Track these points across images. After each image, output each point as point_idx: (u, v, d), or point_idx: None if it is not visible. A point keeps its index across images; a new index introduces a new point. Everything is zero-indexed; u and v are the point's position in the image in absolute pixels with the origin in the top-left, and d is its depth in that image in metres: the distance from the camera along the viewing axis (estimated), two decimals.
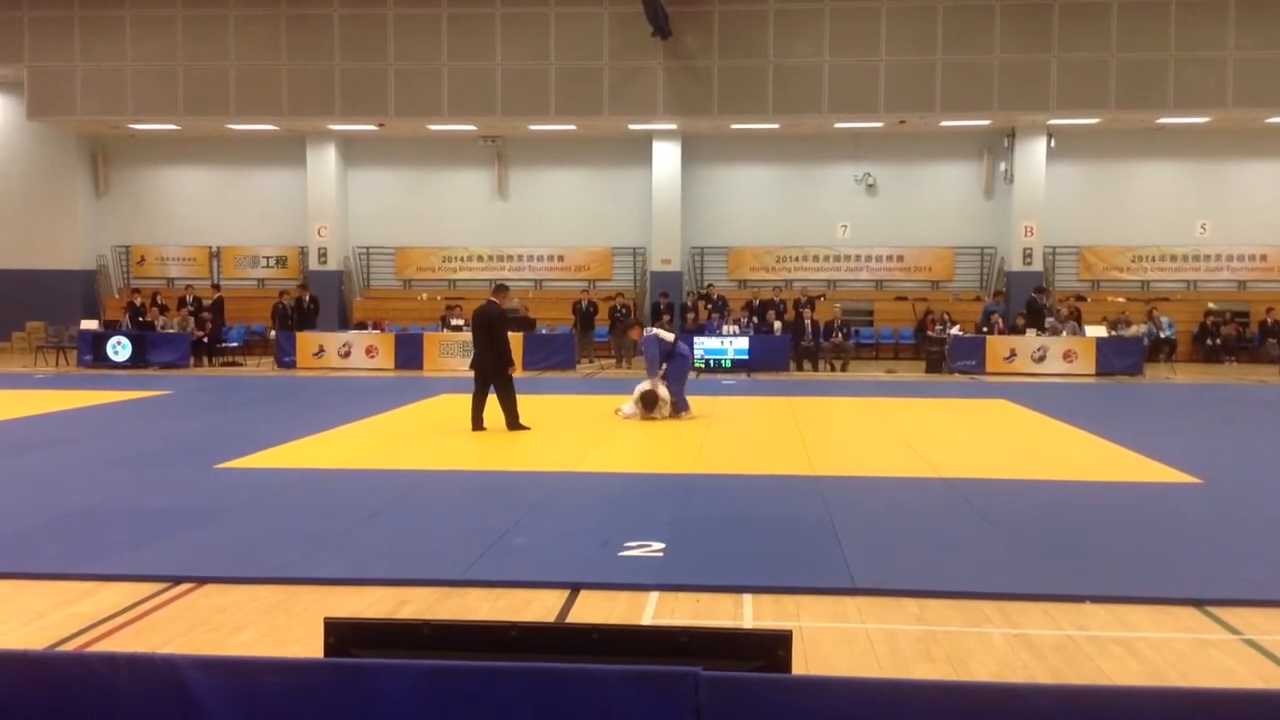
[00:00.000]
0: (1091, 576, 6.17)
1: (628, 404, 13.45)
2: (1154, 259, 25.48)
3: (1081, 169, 25.44)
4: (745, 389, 17.89)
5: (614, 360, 23.00)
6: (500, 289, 13.04)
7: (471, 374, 12.51)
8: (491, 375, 12.19)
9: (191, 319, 22.83)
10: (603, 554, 6.62)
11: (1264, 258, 25.20)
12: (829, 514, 7.76)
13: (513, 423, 12.19)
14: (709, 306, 23.35)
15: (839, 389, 17.87)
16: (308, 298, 23.52)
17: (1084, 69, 22.33)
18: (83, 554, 6.59)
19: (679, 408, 13.45)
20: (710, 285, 24.74)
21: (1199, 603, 5.68)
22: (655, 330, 14.29)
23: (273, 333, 22.70)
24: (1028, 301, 23.00)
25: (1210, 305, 24.53)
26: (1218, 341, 23.61)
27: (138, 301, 23.23)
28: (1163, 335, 23.07)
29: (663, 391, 13.33)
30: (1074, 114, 23.09)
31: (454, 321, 22.33)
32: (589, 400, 15.56)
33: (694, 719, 2.26)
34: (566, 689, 2.30)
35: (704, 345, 21.14)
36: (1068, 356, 20.85)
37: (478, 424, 12.22)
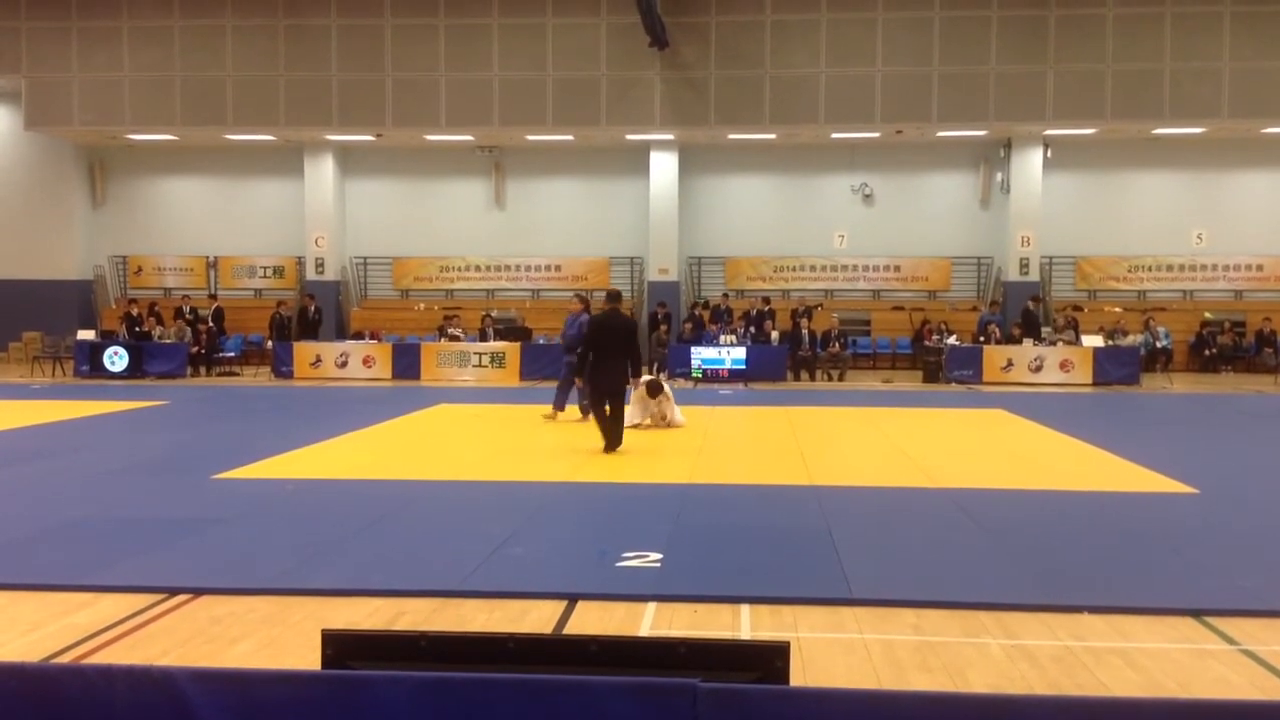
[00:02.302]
0: (1089, 587, 6.17)
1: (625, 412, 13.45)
2: (1150, 269, 25.52)
3: (1078, 179, 25.48)
4: (742, 399, 17.90)
5: None
6: (616, 296, 12.10)
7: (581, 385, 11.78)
8: (621, 389, 11.29)
9: (188, 329, 22.82)
10: (600, 564, 6.62)
11: (1260, 267, 25.24)
12: (826, 524, 7.76)
13: (619, 442, 11.33)
14: (711, 315, 23.36)
15: (836, 399, 17.87)
16: (313, 308, 23.50)
17: (1080, 79, 22.39)
18: (79, 565, 6.58)
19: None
20: (726, 295, 24.72)
21: (1196, 613, 5.68)
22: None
23: (270, 342, 22.70)
24: (1023, 311, 23.04)
25: (1207, 315, 24.57)
26: (1214, 351, 23.65)
27: (134, 312, 23.21)
28: (1159, 345, 23.10)
29: (665, 385, 13.38)
30: (1070, 124, 23.15)
31: (452, 331, 22.32)
32: None
33: None
34: (564, 701, 2.30)
35: (701, 355, 21.21)
36: (1064, 366, 20.88)
37: (614, 443, 11.20)
